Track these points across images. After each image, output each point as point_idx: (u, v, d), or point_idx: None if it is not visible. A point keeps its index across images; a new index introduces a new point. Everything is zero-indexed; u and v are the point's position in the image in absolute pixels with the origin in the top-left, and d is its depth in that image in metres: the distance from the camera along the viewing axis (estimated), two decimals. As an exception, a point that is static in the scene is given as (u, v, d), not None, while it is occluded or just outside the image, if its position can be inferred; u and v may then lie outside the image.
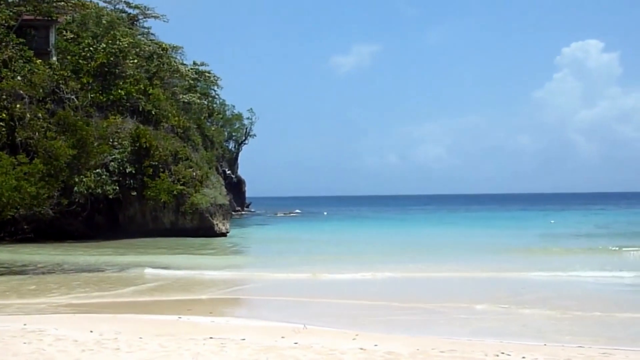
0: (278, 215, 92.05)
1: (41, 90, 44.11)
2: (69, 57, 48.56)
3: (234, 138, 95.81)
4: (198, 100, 67.46)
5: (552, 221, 70.13)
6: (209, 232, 47.70)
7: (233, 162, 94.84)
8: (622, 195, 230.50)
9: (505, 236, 47.97)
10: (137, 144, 46.41)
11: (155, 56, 57.52)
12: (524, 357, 11.27)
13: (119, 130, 47.10)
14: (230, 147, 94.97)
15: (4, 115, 42.23)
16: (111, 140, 46.06)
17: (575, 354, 11.87)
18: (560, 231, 51.95)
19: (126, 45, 50.51)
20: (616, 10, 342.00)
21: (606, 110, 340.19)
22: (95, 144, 42.99)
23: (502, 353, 11.66)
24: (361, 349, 12.02)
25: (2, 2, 47.65)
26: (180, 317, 16.65)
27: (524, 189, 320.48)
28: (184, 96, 63.32)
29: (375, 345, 12.44)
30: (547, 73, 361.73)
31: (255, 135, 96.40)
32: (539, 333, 14.84)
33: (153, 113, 50.14)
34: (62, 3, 52.91)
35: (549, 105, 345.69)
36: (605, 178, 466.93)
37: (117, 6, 63.46)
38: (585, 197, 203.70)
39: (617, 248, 34.49)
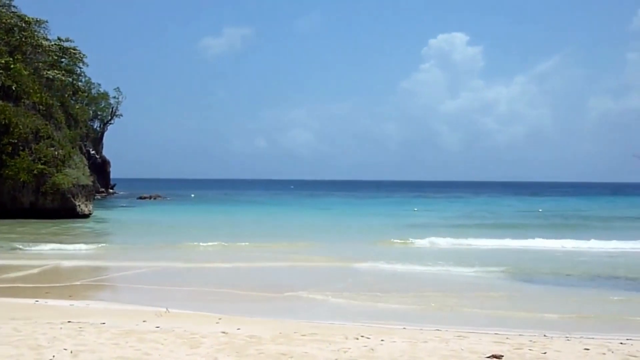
0: (144, 197, 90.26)
1: None
2: None
3: (99, 117, 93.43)
4: (62, 77, 65.17)
5: (415, 209, 72.01)
6: (71, 213, 46.41)
7: (98, 142, 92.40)
8: (482, 184, 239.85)
9: (368, 225, 48.61)
10: (-4, 121, 44.52)
11: (17, 29, 55.16)
12: (382, 340, 11.55)
13: (-25, 106, 44.96)
14: (95, 127, 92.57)
15: None
16: (-33, 115, 43.94)
17: (433, 336, 12.28)
18: (422, 220, 53.18)
19: (-15, 16, 48.23)
20: (482, 4, 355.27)
21: (469, 102, 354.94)
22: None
23: (362, 336, 11.91)
24: (223, 332, 12.00)
25: None
26: (37, 301, 16.14)
27: (390, 176, 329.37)
28: (48, 72, 60.99)
29: (238, 329, 12.46)
30: (414, 63, 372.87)
31: (121, 115, 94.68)
32: (399, 318, 15.27)
33: (13, 89, 48.11)
34: None
35: (415, 95, 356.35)
36: (467, 167, 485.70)
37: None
38: (448, 186, 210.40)
39: (482, 240, 34.77)
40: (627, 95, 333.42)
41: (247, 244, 32.41)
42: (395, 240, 34.63)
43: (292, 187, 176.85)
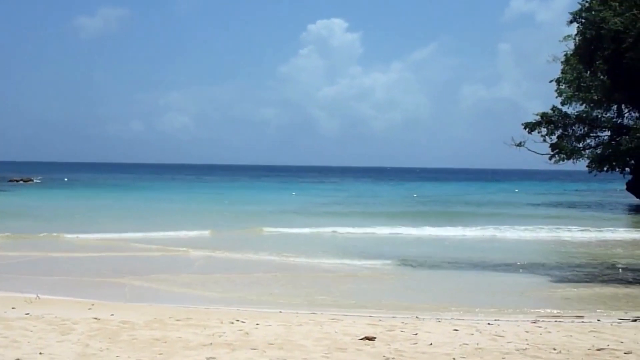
0: (14, 180, 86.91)
1: None
2: None
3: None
4: None
5: (294, 193, 72.59)
6: None
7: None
8: (360, 170, 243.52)
9: (242, 211, 47.17)
10: None
11: None
12: (258, 324, 11.61)
13: None
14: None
15: None
16: None
17: (307, 319, 12.45)
18: (298, 206, 52.92)
19: None
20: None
21: (346, 88, 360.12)
22: None
23: (238, 320, 11.93)
24: (95, 318, 11.78)
25: None
26: None
27: (268, 161, 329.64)
28: None
29: (112, 315, 12.26)
30: (292, 48, 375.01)
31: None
32: (275, 302, 15.45)
33: None
34: None
35: (294, 80, 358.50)
36: (344, 153, 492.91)
37: None
38: (326, 171, 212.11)
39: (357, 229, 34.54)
40: (498, 85, 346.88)
41: (118, 234, 30.82)
42: (269, 229, 33.99)
43: (171, 175, 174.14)
